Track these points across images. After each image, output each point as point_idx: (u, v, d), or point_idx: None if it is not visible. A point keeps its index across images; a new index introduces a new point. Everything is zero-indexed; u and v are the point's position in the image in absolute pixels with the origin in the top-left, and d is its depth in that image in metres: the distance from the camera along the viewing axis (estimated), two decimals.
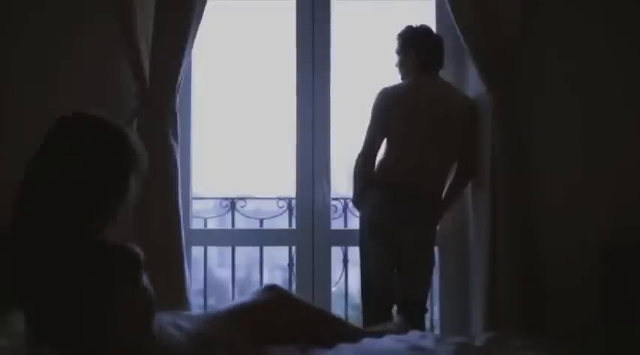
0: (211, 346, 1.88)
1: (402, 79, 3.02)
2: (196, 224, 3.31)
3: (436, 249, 3.02)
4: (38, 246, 1.57)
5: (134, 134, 1.74)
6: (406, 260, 2.89)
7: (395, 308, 2.95)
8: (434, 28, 3.08)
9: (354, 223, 3.20)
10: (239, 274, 3.65)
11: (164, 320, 1.85)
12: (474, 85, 3.05)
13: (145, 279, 1.65)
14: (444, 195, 2.99)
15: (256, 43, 3.39)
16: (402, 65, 3.01)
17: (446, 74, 3.04)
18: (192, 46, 2.93)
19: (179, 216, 2.89)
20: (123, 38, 2.89)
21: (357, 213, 3.06)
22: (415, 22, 3.01)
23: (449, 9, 2.91)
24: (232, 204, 3.40)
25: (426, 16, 3.18)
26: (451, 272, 3.16)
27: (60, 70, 3.03)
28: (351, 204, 3.18)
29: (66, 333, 1.57)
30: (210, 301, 3.52)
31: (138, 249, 1.59)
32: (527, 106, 3.01)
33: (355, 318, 3.14)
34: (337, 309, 3.40)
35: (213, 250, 3.65)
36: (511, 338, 2.20)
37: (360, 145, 2.95)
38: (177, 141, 2.92)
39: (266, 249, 3.43)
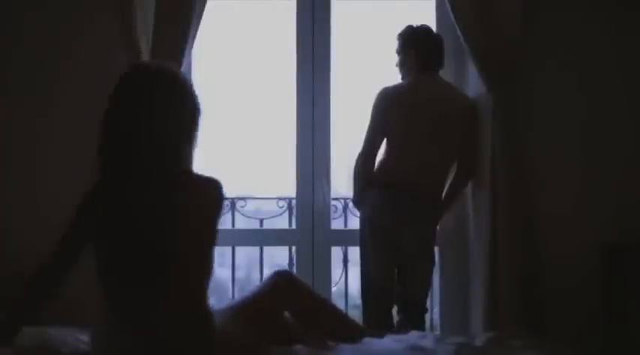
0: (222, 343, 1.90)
1: (403, 78, 3.02)
2: None
3: (436, 248, 3.02)
4: (144, 181, 1.74)
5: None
6: (406, 260, 2.89)
7: (395, 308, 2.95)
8: (434, 28, 3.08)
9: (354, 223, 3.20)
10: (239, 274, 3.65)
11: None
12: (474, 85, 3.05)
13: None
14: (444, 194, 2.99)
15: (256, 43, 3.39)
16: (402, 65, 3.01)
17: (446, 74, 3.04)
18: (192, 46, 2.93)
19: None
20: (123, 38, 2.89)
21: (357, 213, 3.07)
22: (415, 22, 3.01)
23: (449, 9, 2.91)
24: (232, 203, 3.40)
25: (426, 16, 3.18)
26: (451, 272, 3.16)
27: (60, 69, 3.03)
28: (351, 204, 3.18)
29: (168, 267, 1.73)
30: (211, 301, 3.50)
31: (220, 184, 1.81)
32: (527, 106, 3.01)
33: (355, 318, 3.14)
34: None
35: None
36: (511, 338, 2.20)
37: (360, 145, 2.95)
38: None
39: (266, 249, 3.43)
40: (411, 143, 2.90)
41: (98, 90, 3.00)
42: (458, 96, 3.00)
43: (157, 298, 1.76)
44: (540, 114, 3.04)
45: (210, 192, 1.81)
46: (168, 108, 1.78)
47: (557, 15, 3.04)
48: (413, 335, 2.30)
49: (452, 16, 2.91)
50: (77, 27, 3.04)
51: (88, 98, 3.02)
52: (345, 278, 3.39)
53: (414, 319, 2.86)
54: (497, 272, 2.85)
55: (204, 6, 2.91)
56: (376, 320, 2.86)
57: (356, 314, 3.11)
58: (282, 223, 3.42)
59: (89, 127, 3.00)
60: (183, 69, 2.89)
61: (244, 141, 3.46)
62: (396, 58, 3.04)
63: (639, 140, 3.05)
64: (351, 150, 3.00)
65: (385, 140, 2.94)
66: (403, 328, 2.69)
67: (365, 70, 3.37)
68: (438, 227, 3.02)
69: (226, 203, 3.39)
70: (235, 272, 3.42)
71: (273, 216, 3.43)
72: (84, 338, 2.10)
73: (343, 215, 3.37)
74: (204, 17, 2.92)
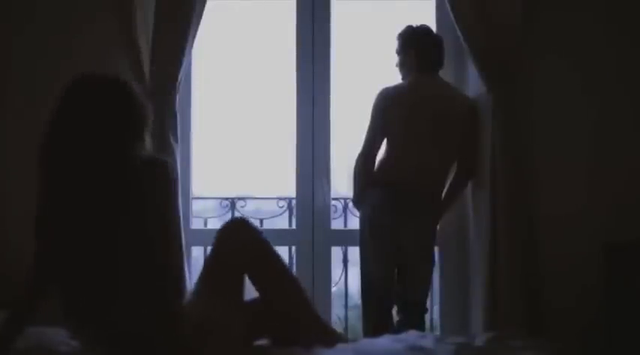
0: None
1: (403, 78, 3.02)
2: (196, 224, 3.31)
3: (436, 248, 3.02)
4: (84, 170, 1.81)
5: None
6: (406, 260, 2.89)
7: (395, 308, 2.95)
8: (434, 28, 3.08)
9: (354, 223, 3.20)
10: None
11: None
12: (474, 85, 3.05)
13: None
14: (444, 194, 2.99)
15: (256, 42, 3.39)
16: (402, 65, 3.01)
17: (446, 74, 3.04)
18: (192, 46, 2.93)
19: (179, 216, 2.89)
20: (123, 38, 2.89)
21: (357, 213, 3.06)
22: (415, 22, 3.01)
23: (449, 9, 2.91)
24: (232, 204, 3.40)
25: (426, 16, 3.18)
26: (451, 272, 3.15)
27: (60, 69, 3.03)
28: (351, 204, 3.18)
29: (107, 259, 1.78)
30: None
31: (170, 160, 1.87)
32: (527, 106, 3.01)
33: (355, 318, 3.14)
34: (337, 309, 3.41)
35: None
36: (511, 338, 2.20)
37: (360, 145, 2.95)
38: (177, 141, 2.92)
39: None
40: (410, 143, 2.90)
41: None
42: (458, 97, 3.00)
43: (113, 293, 1.80)
44: (540, 114, 3.04)
45: (155, 171, 1.85)
46: (103, 112, 1.86)
47: (557, 15, 3.04)
48: (413, 335, 2.30)
49: (452, 16, 2.90)
50: (77, 27, 3.04)
51: None
52: (345, 279, 3.39)
53: (414, 319, 2.86)
54: (497, 272, 2.84)
55: (204, 6, 2.91)
56: (376, 320, 2.86)
57: (356, 314, 3.12)
58: (282, 223, 3.41)
59: None
60: (183, 69, 2.89)
61: (244, 141, 3.46)
62: (396, 58, 3.04)
63: None
64: (351, 150, 3.00)
65: (385, 140, 2.94)
66: (403, 328, 2.68)
67: (365, 70, 3.38)
68: (438, 227, 3.02)
69: (226, 203, 3.39)
70: None
71: (273, 216, 3.43)
72: None
73: (343, 215, 3.37)
74: (204, 17, 2.92)
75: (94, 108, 1.85)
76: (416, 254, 2.89)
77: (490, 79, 2.91)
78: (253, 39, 3.38)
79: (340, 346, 2.15)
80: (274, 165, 3.46)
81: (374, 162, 2.95)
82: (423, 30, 3.00)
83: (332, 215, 3.24)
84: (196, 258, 3.28)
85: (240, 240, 2.19)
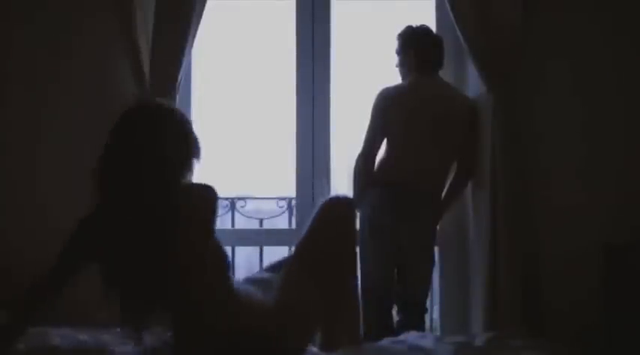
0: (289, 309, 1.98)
1: (403, 79, 3.02)
2: None
3: (436, 248, 3.02)
4: (135, 205, 1.84)
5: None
6: (406, 260, 2.89)
7: (395, 308, 2.95)
8: (434, 28, 3.08)
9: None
10: (239, 274, 3.65)
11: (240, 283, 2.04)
12: (474, 85, 3.05)
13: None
14: (444, 194, 2.99)
15: (256, 43, 3.39)
16: (402, 65, 3.01)
17: (446, 74, 3.04)
18: (192, 46, 2.93)
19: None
20: (123, 38, 2.89)
21: (357, 213, 3.06)
22: (415, 22, 3.01)
23: (449, 9, 2.90)
24: (232, 203, 3.40)
25: (426, 16, 3.18)
26: (451, 272, 3.15)
27: (60, 69, 3.03)
28: None
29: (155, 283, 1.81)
30: None
31: (213, 188, 1.90)
32: (527, 106, 3.01)
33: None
34: None
35: None
36: (511, 338, 2.20)
37: (360, 145, 2.95)
38: None
39: (266, 248, 3.42)
40: (410, 143, 2.90)
41: (98, 89, 3.03)
42: (458, 97, 3.00)
43: (166, 305, 1.86)
44: (540, 113, 3.04)
45: (204, 194, 1.90)
46: (161, 143, 1.89)
47: (557, 15, 3.04)
48: (412, 335, 2.29)
49: (452, 16, 2.90)
50: (77, 27, 3.03)
51: (88, 98, 3.03)
52: None
53: (414, 319, 2.86)
54: (497, 272, 2.84)
55: (204, 6, 2.91)
56: (376, 320, 2.86)
57: None
58: (282, 223, 3.42)
59: (89, 126, 3.03)
60: (183, 69, 2.89)
61: (244, 140, 3.46)
62: (395, 58, 3.04)
63: (639, 139, 3.05)
64: (351, 150, 3.00)
65: (385, 140, 2.94)
66: (403, 328, 2.68)
67: (365, 70, 3.38)
68: (438, 227, 3.02)
69: (226, 203, 3.39)
70: (235, 273, 3.42)
71: (273, 216, 3.43)
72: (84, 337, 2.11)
73: None
74: (204, 17, 2.92)
75: (155, 139, 1.88)
76: (416, 254, 2.89)
77: (490, 79, 2.91)
78: (253, 39, 3.38)
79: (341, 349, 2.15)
80: (274, 165, 3.46)
81: (374, 163, 2.95)
82: (423, 30, 3.00)
83: None
84: None
85: (342, 223, 2.20)
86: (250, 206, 3.48)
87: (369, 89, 3.04)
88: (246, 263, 3.87)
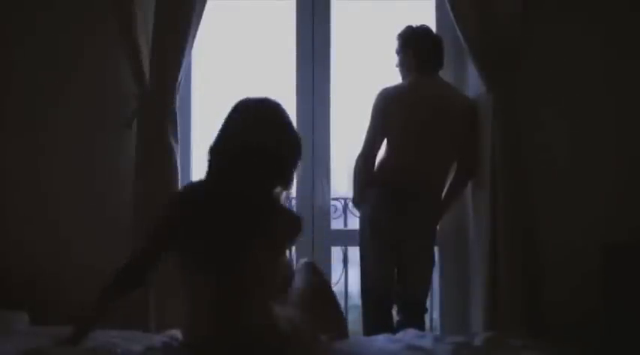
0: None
1: (402, 79, 3.02)
2: None
3: (436, 248, 3.02)
4: (238, 201, 1.99)
5: None
6: (406, 260, 2.89)
7: (395, 308, 2.95)
8: (434, 28, 3.08)
9: (354, 223, 3.20)
10: None
11: None
12: (474, 85, 3.05)
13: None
14: (444, 194, 2.99)
15: (256, 42, 3.39)
16: (402, 65, 3.01)
17: (446, 74, 3.04)
18: (192, 46, 2.93)
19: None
20: (123, 38, 2.89)
21: (357, 213, 3.07)
22: (415, 22, 3.01)
23: (449, 9, 2.91)
24: None
25: (426, 16, 3.18)
26: (451, 272, 3.16)
27: (60, 69, 3.04)
28: (351, 204, 3.17)
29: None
30: None
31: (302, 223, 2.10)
32: (527, 106, 3.01)
33: (355, 318, 3.14)
34: None
35: None
36: (511, 338, 2.20)
37: (360, 145, 2.95)
38: (177, 141, 2.92)
39: None
40: (410, 143, 2.90)
41: (98, 89, 3.04)
42: (458, 97, 3.00)
43: (232, 293, 1.93)
44: (540, 113, 3.04)
45: (294, 222, 2.09)
46: (279, 137, 2.10)
47: (557, 15, 3.04)
48: (412, 335, 2.29)
49: (452, 16, 2.90)
50: (77, 27, 3.04)
51: (88, 97, 3.03)
52: (345, 279, 3.38)
53: (414, 319, 2.86)
54: (497, 272, 2.85)
55: (204, 6, 2.91)
56: (376, 320, 2.86)
57: (356, 314, 3.11)
58: None
59: (89, 126, 3.03)
60: (183, 69, 2.89)
61: None
62: (395, 58, 3.04)
63: (639, 139, 3.05)
64: (351, 150, 3.00)
65: (385, 140, 2.94)
66: (403, 328, 2.68)
67: (365, 69, 3.37)
68: (438, 227, 3.02)
69: None
70: None
71: None
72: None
73: (343, 215, 3.36)
74: (204, 17, 2.92)
75: (277, 140, 2.08)
76: (416, 254, 2.90)
77: (490, 79, 2.91)
78: (253, 39, 3.38)
79: (338, 345, 2.15)
80: None
81: (374, 162, 2.95)
82: (423, 30, 3.00)
83: (332, 215, 3.24)
84: None
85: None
86: None
87: (369, 89, 3.04)
88: None
